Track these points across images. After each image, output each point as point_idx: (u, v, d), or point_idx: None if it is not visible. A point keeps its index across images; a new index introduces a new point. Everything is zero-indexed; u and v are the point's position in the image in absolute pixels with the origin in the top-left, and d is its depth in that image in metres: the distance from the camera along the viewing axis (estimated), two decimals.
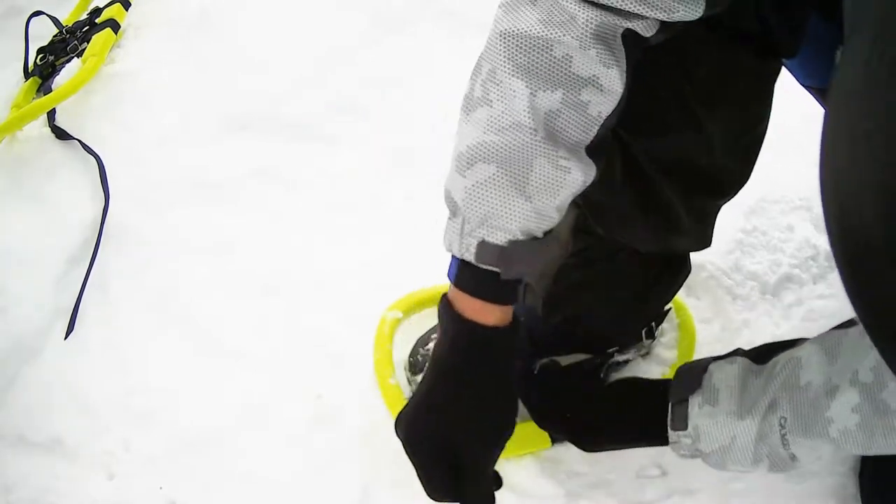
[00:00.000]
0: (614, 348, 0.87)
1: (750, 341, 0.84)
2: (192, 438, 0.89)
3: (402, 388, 0.86)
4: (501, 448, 0.60)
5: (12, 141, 1.22)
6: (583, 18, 0.49)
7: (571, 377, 0.81)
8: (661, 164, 0.65)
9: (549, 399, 0.79)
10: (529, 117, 0.50)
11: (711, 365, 0.70)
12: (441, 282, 1.00)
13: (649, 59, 0.53)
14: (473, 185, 0.51)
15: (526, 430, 0.81)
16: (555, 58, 0.49)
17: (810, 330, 0.66)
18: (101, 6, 1.38)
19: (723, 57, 0.60)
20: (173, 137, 1.19)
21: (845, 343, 0.62)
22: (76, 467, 0.88)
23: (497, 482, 0.63)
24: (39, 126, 1.23)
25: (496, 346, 0.56)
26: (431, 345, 0.87)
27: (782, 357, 0.66)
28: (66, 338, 0.98)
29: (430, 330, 0.91)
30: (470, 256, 0.53)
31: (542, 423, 0.80)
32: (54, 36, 1.35)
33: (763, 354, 0.68)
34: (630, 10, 0.48)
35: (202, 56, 1.29)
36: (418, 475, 0.60)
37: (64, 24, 1.38)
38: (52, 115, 1.23)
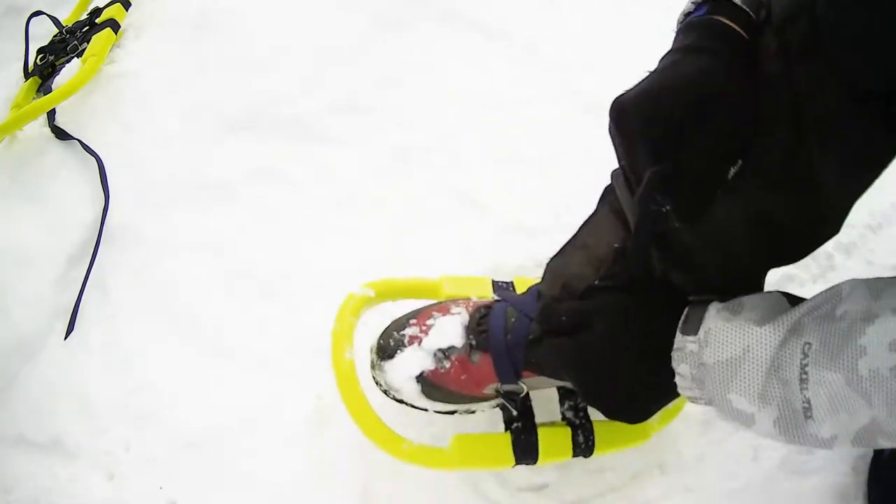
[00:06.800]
0: None
1: None
2: (192, 438, 0.89)
3: (359, 369, 0.76)
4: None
5: (12, 141, 1.22)
6: None
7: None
8: (768, 219, 0.60)
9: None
10: None
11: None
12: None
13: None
14: None
15: (489, 443, 0.77)
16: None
17: None
18: (101, 6, 1.38)
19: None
20: (173, 137, 1.19)
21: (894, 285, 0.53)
22: (76, 467, 0.88)
23: None
24: (39, 126, 1.23)
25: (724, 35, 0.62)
26: (407, 330, 0.78)
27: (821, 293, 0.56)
28: (66, 338, 0.98)
29: (406, 315, 0.81)
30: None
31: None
32: (54, 36, 1.35)
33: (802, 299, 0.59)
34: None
35: (202, 56, 1.29)
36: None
37: (64, 24, 1.38)
38: (52, 115, 1.23)
